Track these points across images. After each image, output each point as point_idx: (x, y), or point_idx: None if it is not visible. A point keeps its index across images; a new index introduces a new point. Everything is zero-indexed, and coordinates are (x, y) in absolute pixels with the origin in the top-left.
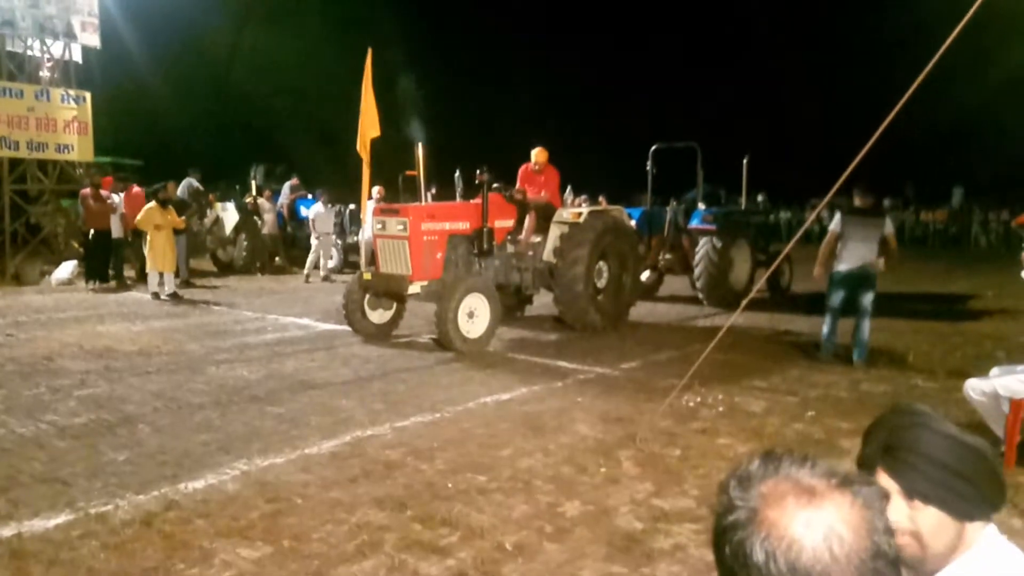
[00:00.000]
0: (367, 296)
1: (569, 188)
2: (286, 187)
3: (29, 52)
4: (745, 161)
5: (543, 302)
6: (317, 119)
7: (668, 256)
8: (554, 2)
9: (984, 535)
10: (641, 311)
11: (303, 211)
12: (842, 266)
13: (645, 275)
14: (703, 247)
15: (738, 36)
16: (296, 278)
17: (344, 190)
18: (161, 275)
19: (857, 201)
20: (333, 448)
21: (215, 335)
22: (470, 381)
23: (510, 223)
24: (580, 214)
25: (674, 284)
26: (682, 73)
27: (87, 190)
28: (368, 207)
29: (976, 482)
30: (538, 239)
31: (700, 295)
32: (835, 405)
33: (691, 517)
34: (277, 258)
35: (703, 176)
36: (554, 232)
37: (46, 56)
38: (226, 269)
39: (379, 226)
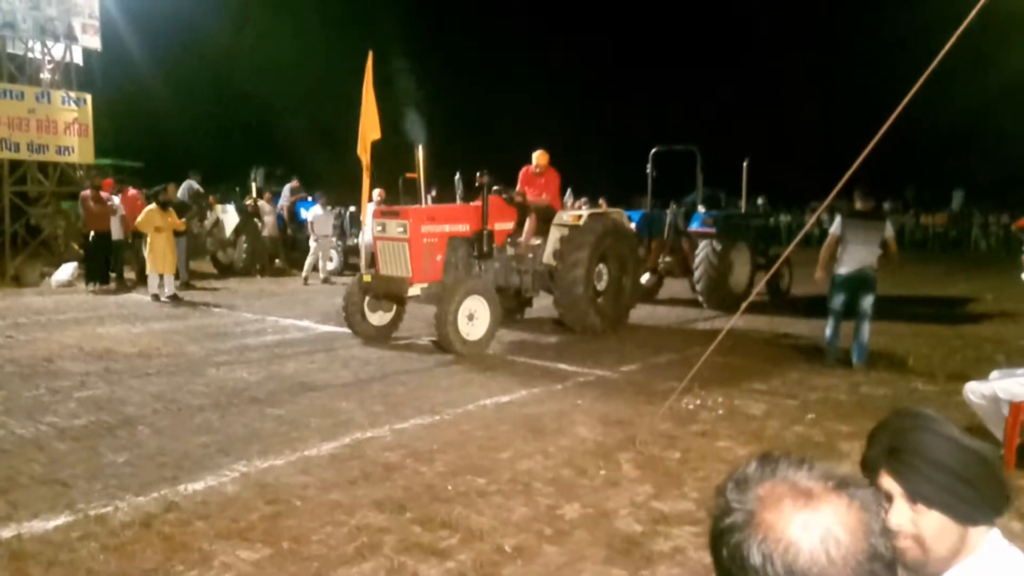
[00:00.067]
0: (367, 298)
1: (569, 191)
2: (286, 189)
3: (30, 54)
4: (745, 164)
5: (543, 304)
6: (318, 121)
7: (668, 259)
8: (554, 4)
9: (987, 539)
10: (641, 314)
11: (303, 213)
12: (842, 269)
13: (645, 278)
14: (703, 250)
15: (738, 39)
16: (296, 280)
17: (345, 192)
18: (161, 277)
19: (858, 204)
20: (333, 450)
21: (215, 337)
22: (470, 383)
23: (510, 225)
24: (580, 217)
25: (674, 287)
26: (682, 76)
27: (87, 192)
28: (368, 209)
29: (979, 486)
30: (538, 241)
31: (700, 298)
32: (835, 408)
33: (691, 520)
34: (277, 260)
35: (703, 179)
36: (554, 235)
37: (47, 58)
38: (226, 271)
39: (379, 228)
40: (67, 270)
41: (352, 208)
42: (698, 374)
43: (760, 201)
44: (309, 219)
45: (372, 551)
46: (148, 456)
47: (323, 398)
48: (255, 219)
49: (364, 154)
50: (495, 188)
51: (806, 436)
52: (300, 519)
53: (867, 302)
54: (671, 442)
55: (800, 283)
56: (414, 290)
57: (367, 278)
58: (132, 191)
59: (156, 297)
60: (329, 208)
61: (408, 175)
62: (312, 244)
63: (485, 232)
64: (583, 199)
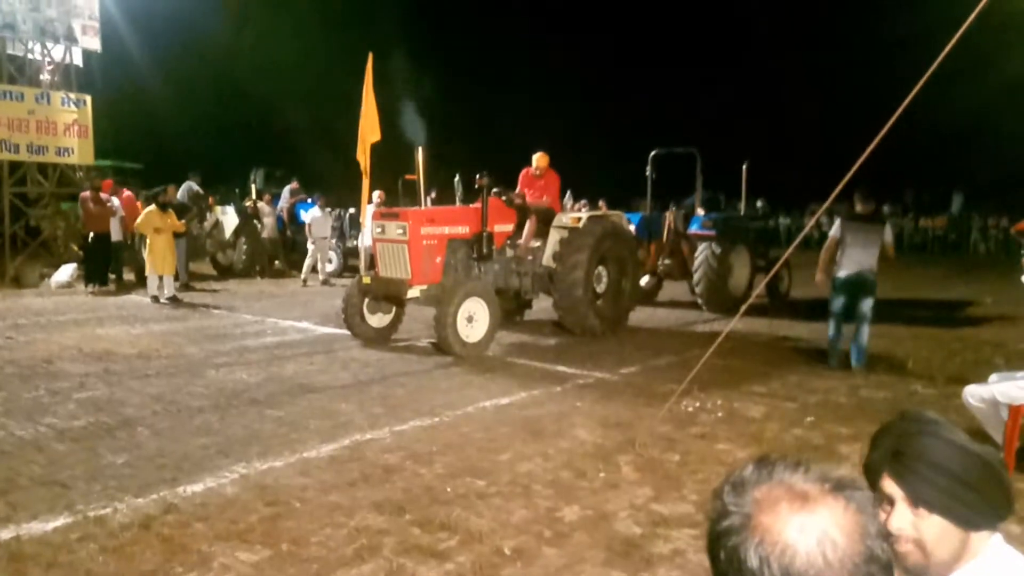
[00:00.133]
0: (366, 300)
1: (569, 193)
2: (286, 191)
3: (30, 55)
4: (744, 166)
5: (542, 306)
6: (318, 122)
7: (667, 261)
8: (554, 6)
9: (990, 544)
10: (640, 316)
11: (303, 215)
12: (841, 272)
13: (644, 280)
14: (702, 252)
15: (738, 41)
16: (295, 282)
17: (345, 193)
18: (161, 278)
19: (858, 207)
20: (332, 452)
21: (214, 338)
22: (469, 385)
23: (510, 227)
24: (579, 219)
25: (673, 289)
26: (682, 78)
27: (87, 193)
28: (368, 211)
29: (983, 492)
30: (538, 243)
31: (699, 300)
32: (834, 411)
33: (690, 522)
34: (277, 262)
35: (703, 181)
36: (553, 237)
37: (47, 59)
38: (226, 273)
39: (379, 230)
40: (67, 271)
41: (352, 210)
42: (697, 376)
43: (759, 203)
44: (307, 221)
45: (371, 553)
46: (147, 457)
47: (322, 400)
48: (255, 221)
49: (363, 156)
50: (495, 190)
51: (805, 439)
52: (299, 521)
53: (866, 305)
54: (670, 444)
55: (799, 286)
56: (413, 292)
57: (366, 280)
58: (127, 192)
59: (156, 298)
60: (328, 210)
61: (408, 177)
62: (310, 246)
63: (485, 234)
64: (583, 201)
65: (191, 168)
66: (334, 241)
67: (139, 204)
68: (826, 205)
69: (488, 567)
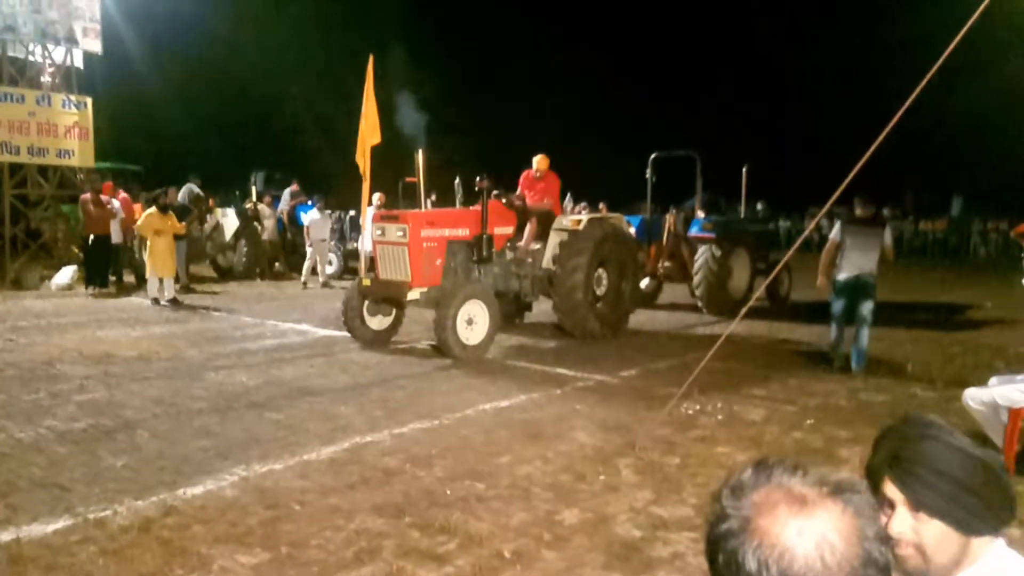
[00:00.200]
0: (366, 302)
1: (569, 195)
2: (286, 193)
3: (31, 57)
4: (744, 169)
5: (542, 309)
6: (319, 124)
7: (667, 264)
8: (554, 10)
9: (991, 550)
10: (640, 319)
11: (303, 217)
12: (841, 275)
13: (644, 283)
14: (702, 255)
15: (738, 44)
16: (295, 284)
17: (347, 196)
18: (161, 281)
19: (858, 211)
20: (332, 454)
21: (214, 341)
22: (469, 388)
23: (510, 230)
24: (580, 221)
25: (673, 292)
26: (683, 81)
27: (87, 195)
28: (368, 214)
29: (984, 497)
30: (537, 246)
31: (699, 303)
32: (834, 414)
33: (690, 525)
34: (277, 264)
35: (703, 184)
36: (553, 239)
37: (48, 61)
38: (226, 275)
39: (379, 232)
40: (67, 273)
41: (352, 212)
42: (697, 379)
43: (760, 206)
44: (306, 223)
45: (371, 556)
46: (147, 460)
47: (322, 402)
48: (255, 223)
49: (364, 158)
50: (495, 192)
51: (805, 442)
52: (299, 524)
53: (866, 308)
54: (670, 447)
55: (799, 288)
56: (413, 294)
57: (366, 282)
58: (122, 195)
59: (156, 301)
60: (328, 212)
61: (408, 179)
62: (308, 248)
63: (485, 236)
64: (583, 203)
65: (191, 170)
66: (333, 243)
67: (140, 206)
68: (826, 208)
69: (488, 570)
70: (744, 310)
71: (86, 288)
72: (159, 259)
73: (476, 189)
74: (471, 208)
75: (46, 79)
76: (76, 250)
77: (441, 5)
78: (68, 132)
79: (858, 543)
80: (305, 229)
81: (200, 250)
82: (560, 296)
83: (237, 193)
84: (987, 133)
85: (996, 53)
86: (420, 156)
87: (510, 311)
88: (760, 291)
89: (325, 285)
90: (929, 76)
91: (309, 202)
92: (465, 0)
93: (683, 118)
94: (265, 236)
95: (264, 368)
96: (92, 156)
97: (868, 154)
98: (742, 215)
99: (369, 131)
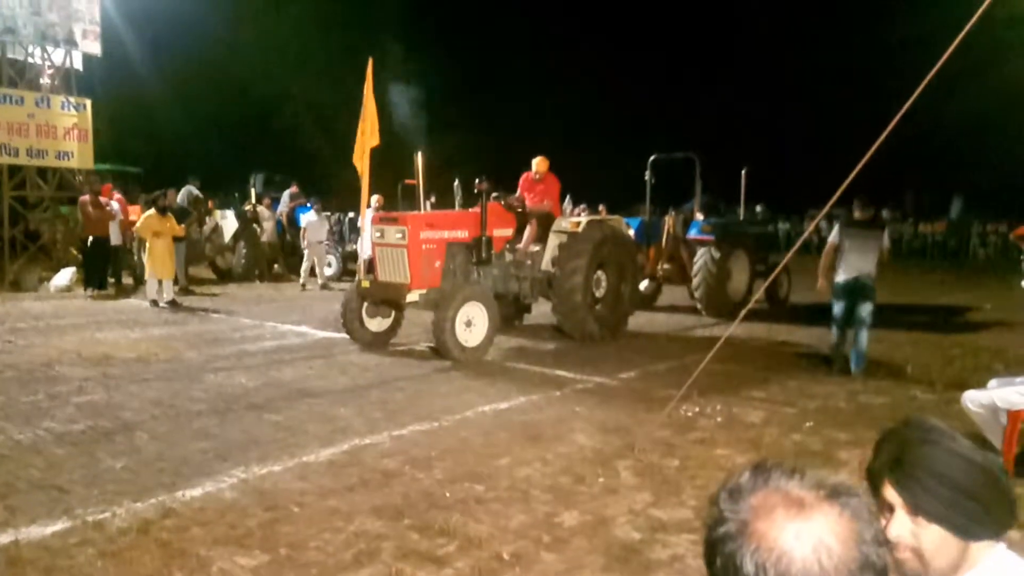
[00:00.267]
0: (365, 304)
1: (568, 197)
2: (285, 195)
3: (30, 59)
4: (744, 172)
5: (541, 311)
6: (319, 126)
7: (667, 266)
8: (554, 10)
9: (991, 554)
10: (640, 321)
11: (302, 219)
12: (840, 277)
13: (644, 285)
14: (701, 257)
15: (738, 46)
16: (295, 286)
17: (346, 197)
18: (160, 282)
19: (856, 213)
20: (331, 456)
21: (213, 343)
22: (468, 390)
23: (509, 232)
24: (579, 223)
25: (673, 294)
26: (683, 83)
27: (86, 197)
28: (367, 216)
29: (984, 502)
30: (537, 248)
31: (698, 305)
32: (833, 416)
33: (689, 528)
34: (276, 266)
35: (702, 186)
36: (553, 241)
37: (47, 63)
38: (225, 277)
39: (378, 234)
40: (66, 275)
41: (351, 214)
42: (697, 381)
43: (759, 208)
44: (303, 225)
45: (370, 558)
46: (146, 462)
47: (321, 404)
48: (254, 225)
49: (362, 160)
50: (494, 194)
51: (804, 444)
52: (298, 526)
53: (865, 310)
54: (670, 450)
55: (799, 291)
56: (412, 296)
57: (366, 284)
58: (117, 196)
59: (155, 303)
60: (325, 214)
61: (407, 181)
62: (305, 250)
63: (484, 238)
64: (582, 205)
65: (191, 172)
66: (328, 244)
67: (139, 207)
68: (825, 210)
69: (487, 572)
70: (743, 312)
71: (85, 290)
72: (158, 261)
73: (475, 191)
74: (470, 210)
75: (45, 81)
76: (75, 252)
77: (441, 5)
78: (67, 134)
79: (855, 546)
80: (301, 231)
81: (199, 252)
82: (559, 298)
83: (236, 195)
84: (987, 135)
85: (996, 54)
86: (419, 158)
87: (509, 313)
88: (759, 293)
89: (324, 287)
90: (928, 79)
91: (308, 204)
92: (465, 0)
93: (683, 119)
94: (264, 238)
95: (263, 370)
96: (91, 158)
97: (867, 157)
98: (741, 217)
99: (368, 133)
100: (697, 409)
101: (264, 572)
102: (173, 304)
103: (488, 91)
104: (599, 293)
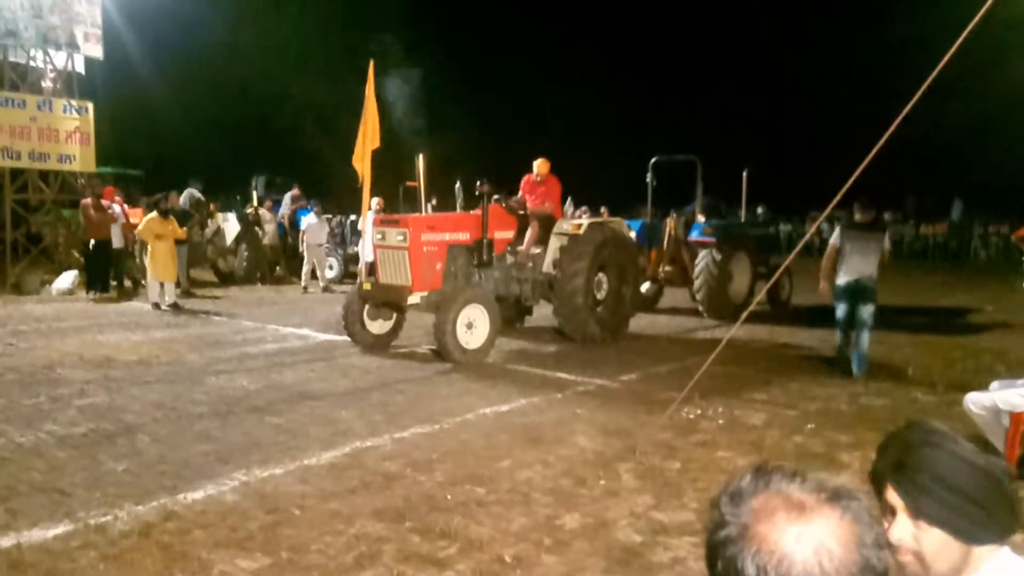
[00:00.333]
0: (366, 307)
1: (569, 199)
2: (287, 197)
3: (32, 62)
4: (745, 173)
5: (543, 313)
6: (320, 129)
7: (668, 268)
8: (554, 10)
9: (994, 558)
10: (641, 323)
11: (302, 222)
12: (841, 280)
13: (645, 287)
14: (703, 259)
15: (739, 48)
16: (296, 288)
17: (348, 200)
18: (162, 285)
19: (857, 216)
20: (332, 459)
21: (215, 345)
22: (469, 392)
23: (510, 234)
24: (580, 226)
25: (674, 296)
26: (684, 85)
27: (88, 200)
28: (368, 218)
29: (986, 507)
30: (538, 250)
31: (700, 307)
32: (835, 418)
33: (690, 530)
34: (278, 268)
35: (703, 188)
36: (554, 244)
37: (49, 67)
38: (227, 279)
39: (379, 237)
40: (68, 278)
41: (353, 216)
42: (698, 384)
43: (760, 210)
44: (302, 227)
45: (371, 561)
46: (148, 465)
47: (323, 407)
48: (256, 227)
49: (363, 163)
50: (495, 197)
51: (806, 447)
52: (299, 528)
53: (866, 312)
54: (671, 452)
55: (800, 293)
56: (414, 298)
57: (367, 286)
58: (118, 199)
59: (157, 305)
60: (326, 217)
61: (409, 183)
62: (304, 253)
63: (485, 241)
64: (583, 207)
65: (192, 175)
66: (328, 247)
67: (141, 210)
68: (827, 212)
69: (488, 575)
70: (745, 314)
71: (87, 292)
72: (160, 264)
73: (477, 193)
74: (472, 212)
75: (47, 84)
76: (77, 255)
77: (441, 5)
78: (69, 137)
79: (856, 549)
80: (300, 234)
81: (201, 254)
82: (560, 300)
83: (238, 197)
84: (988, 136)
85: (997, 55)
86: (421, 160)
87: (511, 315)
88: (761, 295)
89: (326, 289)
90: (928, 81)
91: (309, 206)
92: (465, 0)
93: (683, 119)
94: (266, 240)
95: (265, 372)
96: (93, 161)
97: (869, 157)
98: (743, 219)
99: (370, 135)
100: (698, 411)
101: (265, 575)
102: (175, 307)
103: (488, 91)
104: (600, 295)
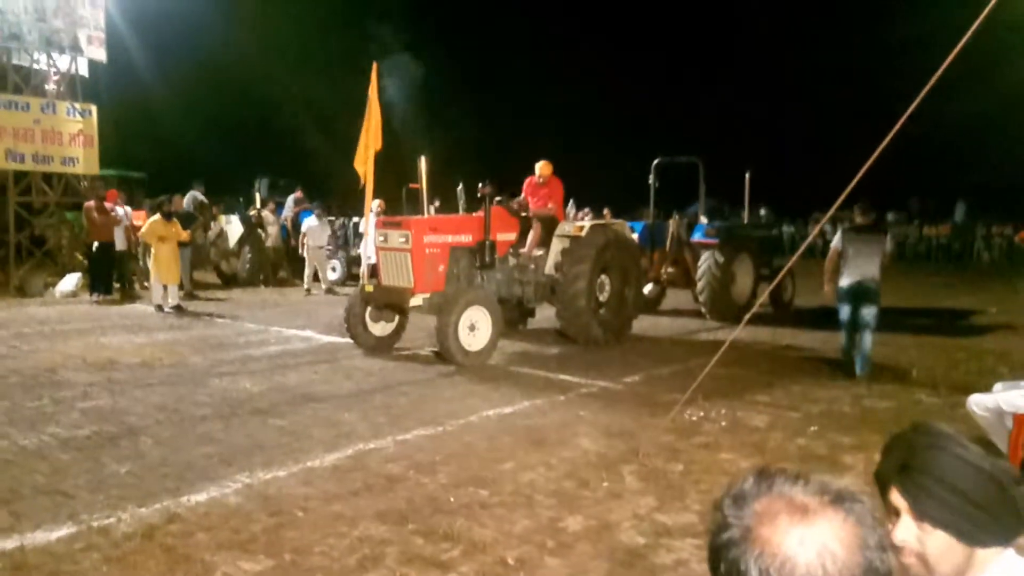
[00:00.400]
0: (369, 309)
1: (571, 202)
2: (290, 200)
3: (35, 65)
4: (747, 175)
5: (545, 315)
6: (323, 131)
7: (671, 270)
8: (554, 10)
9: (998, 561)
10: (644, 325)
11: (304, 224)
12: (844, 282)
13: (648, 289)
14: (706, 261)
15: (741, 49)
16: (299, 290)
17: (351, 202)
18: (165, 287)
19: (858, 218)
20: (335, 461)
21: (218, 347)
22: (472, 394)
23: (513, 236)
24: (582, 228)
25: (677, 298)
26: (682, 82)
27: (91, 203)
28: (370, 220)
29: (991, 511)
30: (540, 252)
31: (703, 309)
32: (838, 420)
33: (694, 532)
34: (281, 271)
35: (706, 190)
36: (556, 246)
37: (52, 69)
38: (230, 282)
39: (381, 239)
40: (71, 280)
41: (356, 218)
42: (701, 386)
43: (763, 212)
44: (303, 229)
45: (374, 563)
46: (151, 467)
47: (326, 409)
48: (259, 230)
49: (366, 165)
50: (498, 199)
51: (809, 449)
52: (302, 530)
53: (869, 313)
54: (674, 454)
55: (803, 294)
56: (416, 300)
57: (369, 288)
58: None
59: (160, 308)
60: (328, 219)
61: (411, 185)
62: (305, 255)
63: (487, 242)
64: (586, 209)
65: (195, 177)
66: (330, 249)
67: (144, 213)
68: (830, 213)
69: None
70: (748, 316)
71: (90, 295)
72: (163, 266)
73: (479, 195)
74: (474, 214)
75: (51, 87)
76: (80, 257)
77: (441, 5)
78: (72, 140)
79: (859, 552)
80: (301, 236)
81: (204, 257)
82: (563, 303)
83: (241, 200)
84: (991, 137)
85: (1000, 55)
86: (423, 163)
87: (513, 317)
88: (764, 297)
89: (329, 291)
90: (931, 83)
91: (312, 208)
92: (465, 0)
93: (683, 119)
94: (269, 243)
95: (268, 374)
96: (96, 164)
97: (872, 159)
98: (745, 221)
99: (372, 137)
100: (701, 413)
101: None
102: (178, 309)
103: (489, 89)
104: (603, 297)
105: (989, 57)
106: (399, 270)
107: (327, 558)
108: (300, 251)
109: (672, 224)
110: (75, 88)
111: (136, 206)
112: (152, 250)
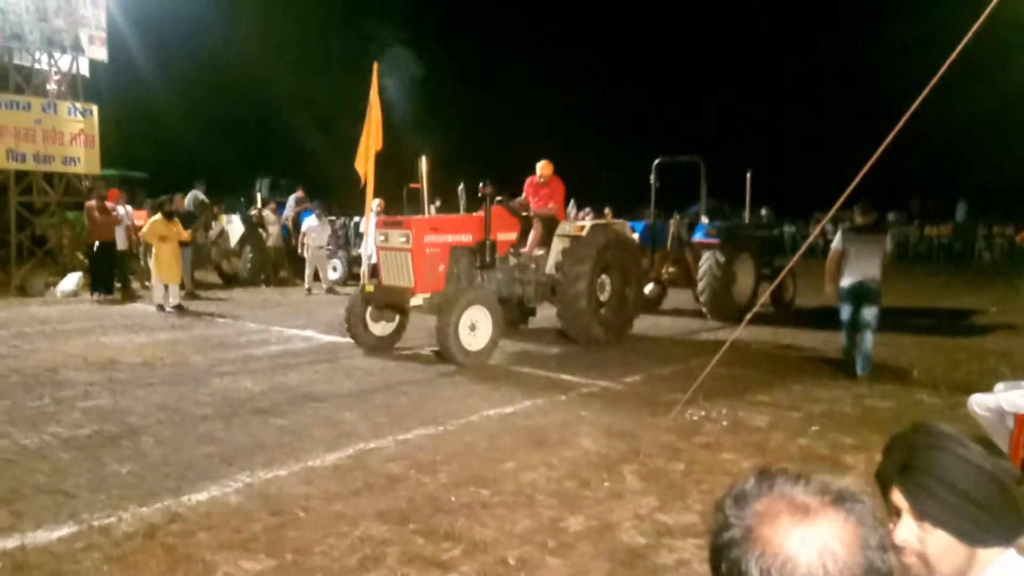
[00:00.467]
0: (369, 308)
1: (572, 201)
2: (291, 200)
3: (37, 65)
4: (749, 175)
5: (546, 315)
6: (324, 131)
7: (672, 269)
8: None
9: (999, 561)
10: (645, 324)
11: (304, 224)
12: (845, 281)
13: (649, 288)
14: (707, 261)
15: (742, 49)
16: (300, 290)
17: (352, 202)
18: (166, 287)
19: (858, 219)
20: (336, 461)
21: (219, 347)
22: (472, 394)
23: (513, 236)
24: (583, 228)
25: (678, 298)
26: (682, 82)
27: (92, 202)
28: (371, 220)
29: (992, 511)
30: (541, 252)
31: (703, 309)
32: (839, 420)
33: (695, 532)
34: (282, 270)
35: (707, 190)
36: (557, 246)
37: (53, 69)
38: (231, 281)
39: (382, 238)
40: (72, 280)
41: (356, 218)
42: (702, 385)
43: (764, 212)
44: (303, 229)
45: (375, 563)
46: (152, 466)
47: (326, 408)
48: (260, 229)
49: (367, 164)
50: (498, 198)
51: (810, 449)
52: (303, 530)
53: (870, 313)
54: (675, 454)
55: (804, 294)
56: (417, 300)
57: (370, 288)
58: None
59: (161, 307)
60: (328, 219)
61: (412, 185)
62: (306, 255)
63: (488, 242)
64: (586, 209)
65: (196, 177)
66: (330, 248)
67: (145, 213)
68: (831, 214)
69: None
70: (749, 316)
71: (91, 294)
72: (164, 265)
73: (480, 195)
74: (474, 214)
75: (52, 87)
76: (81, 257)
77: (441, 5)
78: (74, 139)
79: (860, 552)
80: (301, 236)
81: (205, 256)
82: (563, 302)
83: (242, 199)
84: (991, 137)
85: (1001, 55)
86: (423, 163)
87: (514, 317)
88: (765, 297)
89: (330, 291)
90: (934, 82)
91: (312, 208)
92: (465, 0)
93: (684, 118)
94: (270, 242)
95: (269, 374)
96: (98, 163)
97: (873, 159)
98: (746, 220)
99: (373, 137)
100: (703, 413)
101: None
102: (179, 308)
103: (489, 89)
104: (603, 297)
105: (990, 57)
106: (399, 270)
107: (328, 558)
108: (301, 251)
109: (673, 224)
110: (76, 88)
111: (137, 206)
112: (153, 250)
